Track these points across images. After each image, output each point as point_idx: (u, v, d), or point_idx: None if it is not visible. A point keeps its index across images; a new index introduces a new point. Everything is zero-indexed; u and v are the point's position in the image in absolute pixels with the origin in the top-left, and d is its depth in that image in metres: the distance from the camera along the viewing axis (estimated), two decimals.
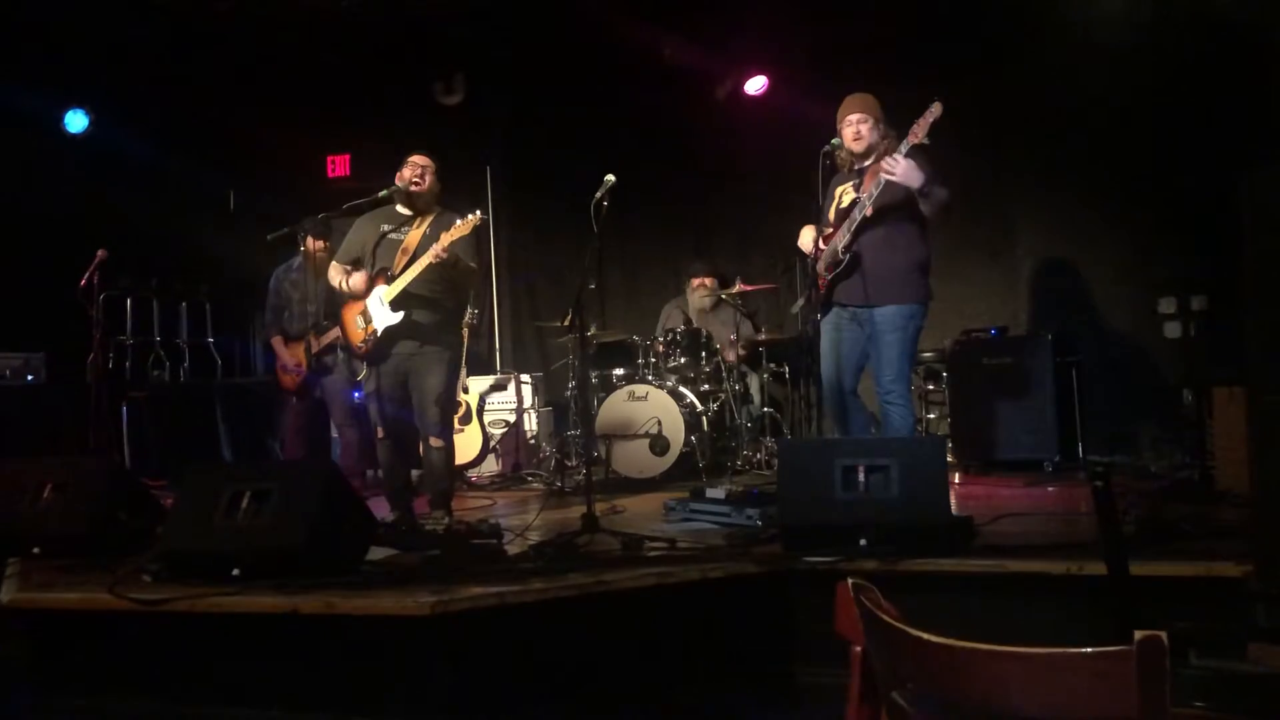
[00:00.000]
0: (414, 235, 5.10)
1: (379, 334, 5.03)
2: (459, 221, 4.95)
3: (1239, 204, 3.05)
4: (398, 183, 5.14)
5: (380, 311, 5.03)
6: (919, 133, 4.55)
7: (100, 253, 6.56)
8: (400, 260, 5.04)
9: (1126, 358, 6.93)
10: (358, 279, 5.12)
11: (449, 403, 5.22)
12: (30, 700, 3.79)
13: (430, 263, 4.86)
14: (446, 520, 5.05)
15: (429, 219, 5.17)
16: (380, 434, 5.13)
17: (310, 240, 6.24)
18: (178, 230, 8.41)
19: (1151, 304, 6.37)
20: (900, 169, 4.55)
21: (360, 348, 5.13)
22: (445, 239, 4.86)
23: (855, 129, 4.89)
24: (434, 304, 5.07)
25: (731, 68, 8.01)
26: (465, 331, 6.08)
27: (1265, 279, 2.99)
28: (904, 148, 4.58)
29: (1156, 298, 6.33)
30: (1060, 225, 7.31)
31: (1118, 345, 6.97)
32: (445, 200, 5.30)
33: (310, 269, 6.34)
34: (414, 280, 4.95)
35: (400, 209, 5.20)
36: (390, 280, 5.01)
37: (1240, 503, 4.41)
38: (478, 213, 4.98)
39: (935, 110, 4.53)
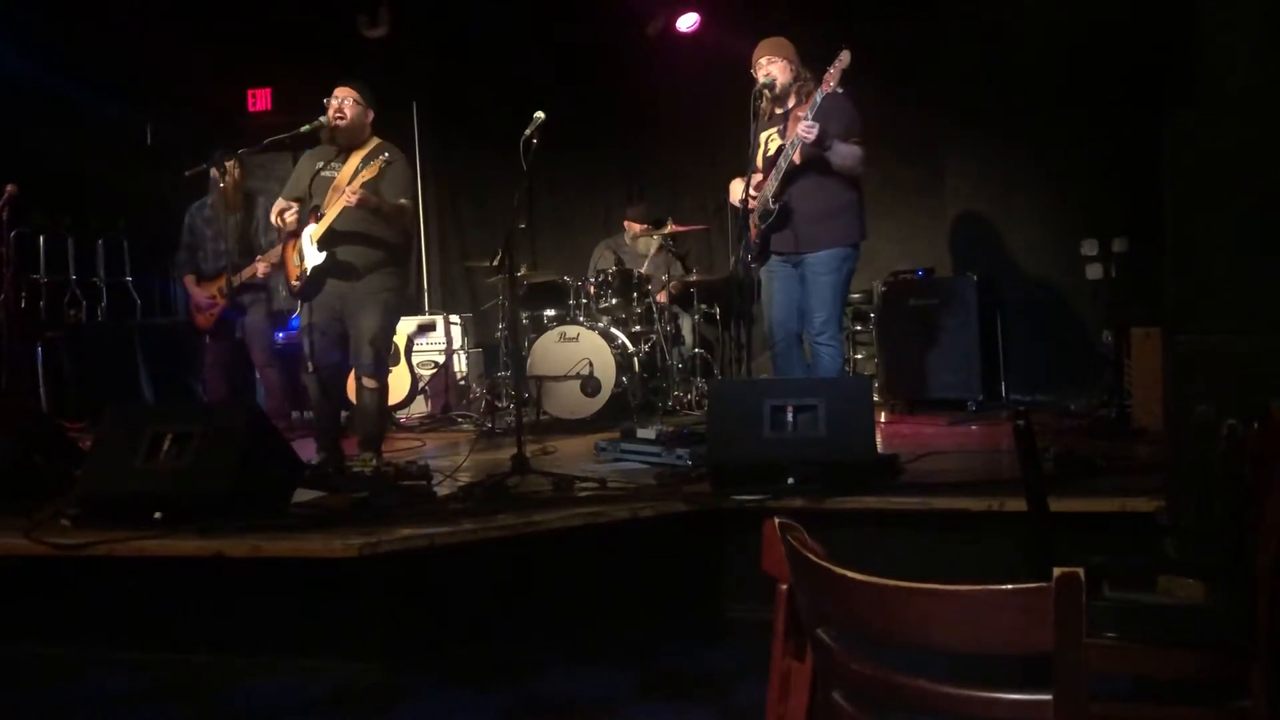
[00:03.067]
0: (345, 172, 4.94)
1: (308, 272, 4.92)
2: (371, 162, 4.78)
3: (1159, 147, 3.10)
4: (321, 118, 4.99)
5: (309, 250, 4.91)
6: (830, 81, 4.58)
7: (9, 188, 6.34)
8: (331, 199, 4.89)
9: (1049, 299, 7.06)
10: (289, 215, 4.95)
11: (385, 343, 5.09)
12: None
13: (345, 205, 4.73)
14: (375, 462, 4.95)
15: (361, 154, 4.99)
16: (310, 368, 5.01)
17: (217, 174, 6.05)
18: (93, 165, 8.13)
19: (1074, 246, 6.47)
20: (814, 135, 4.60)
21: (294, 285, 5.02)
22: (355, 182, 4.73)
23: (765, 70, 4.89)
24: (365, 240, 4.92)
25: (664, 4, 7.91)
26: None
27: (1183, 221, 3.06)
28: (819, 97, 4.61)
29: (1079, 240, 6.43)
30: (986, 168, 7.39)
31: (1041, 286, 7.09)
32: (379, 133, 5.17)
33: (218, 204, 6.19)
34: (340, 218, 4.81)
35: (330, 145, 5.04)
36: (319, 219, 4.89)
37: (1155, 440, 4.54)
38: (385, 155, 4.79)
39: (844, 59, 4.56)
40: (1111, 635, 2.02)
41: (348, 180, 4.87)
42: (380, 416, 5.23)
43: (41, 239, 7.82)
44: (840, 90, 4.62)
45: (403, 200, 5.01)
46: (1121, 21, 6.50)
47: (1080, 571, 1.18)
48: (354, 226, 4.88)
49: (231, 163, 6.08)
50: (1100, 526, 3.38)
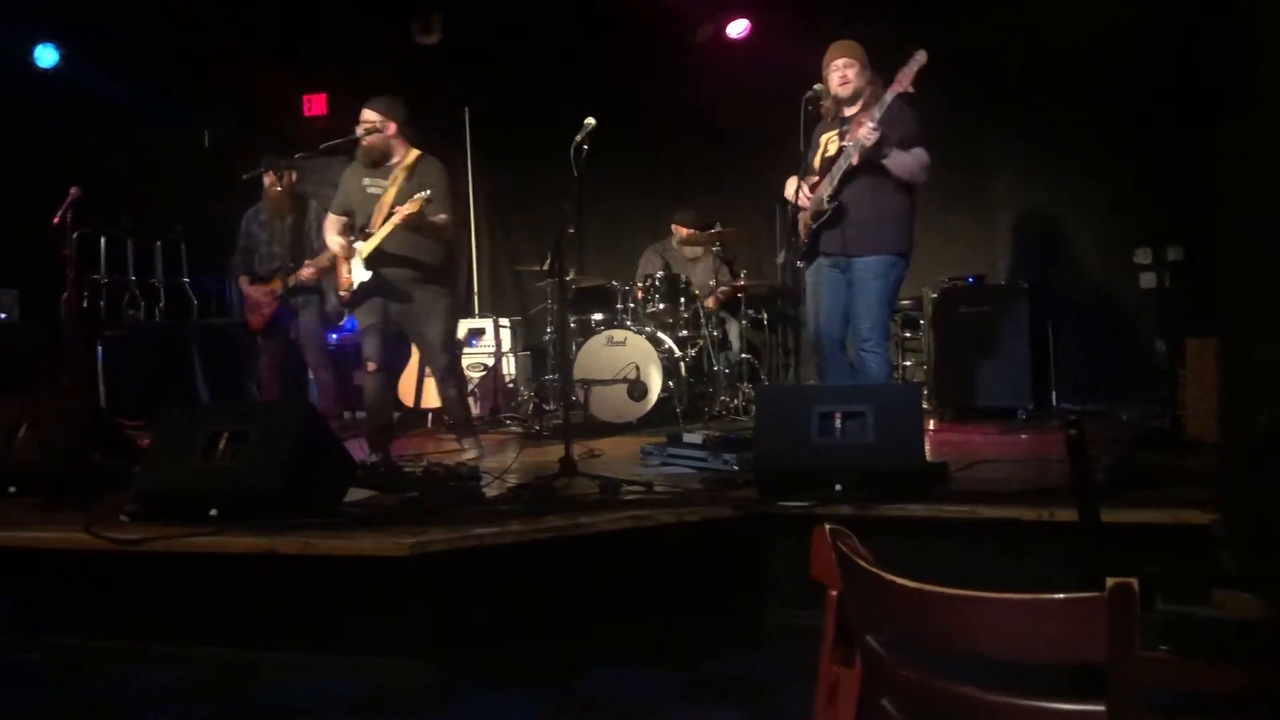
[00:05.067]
0: (390, 191, 5.13)
1: (355, 287, 5.15)
2: (416, 199, 4.91)
3: (1216, 154, 3.06)
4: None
5: (357, 267, 5.13)
6: (905, 81, 4.52)
7: (73, 190, 6.46)
8: (377, 217, 5.10)
9: (1101, 307, 6.98)
10: (338, 242, 5.22)
11: (453, 345, 5.47)
12: (4, 639, 3.80)
13: (396, 225, 4.95)
14: (471, 449, 5.34)
15: (403, 168, 5.16)
16: (370, 367, 5.20)
17: (268, 179, 6.19)
18: (152, 168, 8.29)
19: (1127, 254, 6.40)
20: (875, 138, 4.57)
21: (343, 295, 5.26)
22: (404, 211, 4.90)
23: (841, 74, 4.86)
24: (408, 260, 5.15)
25: (714, 10, 7.92)
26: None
27: (1240, 230, 3.01)
28: (889, 98, 4.55)
29: (1133, 248, 6.36)
30: (1039, 175, 7.32)
31: (1093, 295, 7.01)
32: (421, 142, 5.26)
33: (271, 209, 6.30)
34: (388, 239, 5.02)
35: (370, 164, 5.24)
36: (366, 238, 5.09)
37: (1209, 451, 4.47)
38: (427, 193, 4.93)
39: (920, 59, 4.50)
40: (1164, 648, 2.00)
41: (392, 201, 5.06)
42: (466, 408, 5.64)
43: (102, 240, 7.98)
44: (912, 90, 4.55)
45: (443, 215, 5.17)
46: (1178, 28, 6.42)
47: (1134, 582, 1.18)
48: (400, 248, 5.09)
49: (285, 171, 6.21)
50: (1153, 538, 3.33)
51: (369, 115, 5.17)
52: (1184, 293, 6.03)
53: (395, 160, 5.19)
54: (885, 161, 4.70)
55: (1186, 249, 5.99)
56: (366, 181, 5.21)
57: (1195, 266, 6.09)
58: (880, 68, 4.84)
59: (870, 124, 4.56)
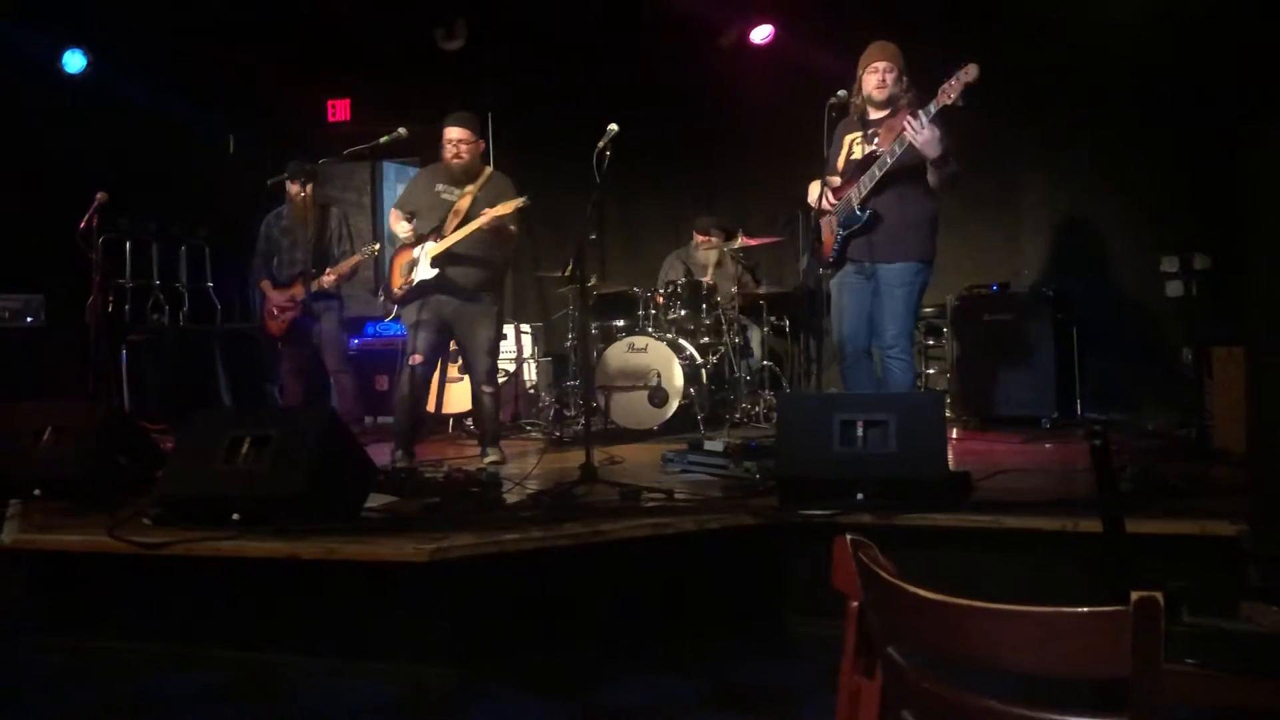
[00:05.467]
0: (465, 199, 5.35)
1: (414, 285, 5.31)
2: (508, 201, 5.16)
3: (1243, 160, 3.03)
4: (442, 161, 5.40)
5: (422, 266, 5.30)
6: (951, 94, 4.38)
7: (99, 195, 6.51)
8: (451, 222, 5.30)
9: (1127, 315, 6.92)
10: (407, 229, 5.43)
11: (496, 353, 5.58)
12: (30, 641, 3.83)
13: (479, 227, 5.17)
14: (498, 458, 5.40)
15: (479, 182, 5.39)
16: (416, 359, 5.35)
17: (294, 186, 6.23)
18: (177, 173, 8.36)
19: (1153, 262, 6.34)
20: (924, 137, 4.46)
21: (397, 292, 5.42)
22: (494, 211, 5.13)
23: (881, 77, 4.78)
24: (476, 262, 5.35)
25: (738, 16, 7.92)
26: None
27: (1267, 238, 2.98)
28: (933, 108, 4.46)
29: (1159, 256, 6.31)
30: (1063, 182, 7.27)
31: (1118, 303, 6.96)
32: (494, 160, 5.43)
33: (294, 215, 6.33)
34: (462, 242, 5.22)
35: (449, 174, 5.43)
36: (440, 239, 5.28)
37: (1236, 462, 4.43)
38: (525, 198, 5.17)
39: (970, 73, 4.34)
40: (1190, 662, 1.97)
41: (466, 209, 5.30)
42: (497, 417, 5.73)
43: (128, 245, 8.04)
44: (961, 104, 4.40)
45: (513, 226, 5.41)
46: (1206, 35, 6.37)
47: (1159, 595, 1.16)
48: (472, 250, 5.28)
49: (309, 178, 6.27)
50: (1179, 550, 3.30)
51: (463, 134, 5.36)
52: (1211, 301, 5.97)
53: (471, 176, 5.42)
54: (934, 165, 4.60)
55: (1214, 257, 5.93)
56: (440, 187, 5.41)
57: (1222, 274, 6.04)
58: (908, 74, 4.82)
59: (924, 127, 4.43)
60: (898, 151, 4.61)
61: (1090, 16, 6.82)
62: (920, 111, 4.50)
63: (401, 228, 5.45)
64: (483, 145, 5.49)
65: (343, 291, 6.54)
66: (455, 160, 5.35)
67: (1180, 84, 6.53)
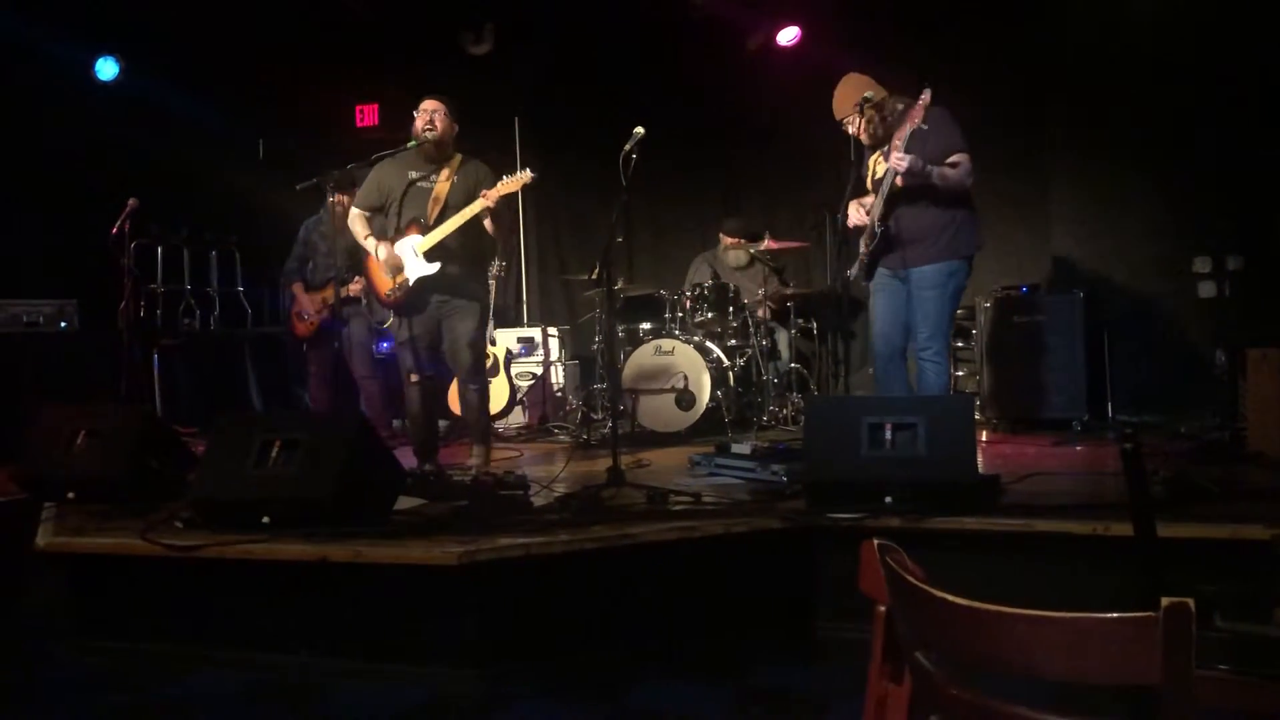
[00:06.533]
0: (443, 184, 5.05)
1: (410, 284, 5.01)
2: (509, 178, 4.89)
3: (1276, 162, 2.99)
4: (414, 134, 5.07)
5: (414, 262, 5.01)
6: (915, 119, 4.53)
7: (131, 201, 6.59)
8: (433, 210, 5.01)
9: (1158, 317, 6.86)
10: (383, 249, 5.06)
11: (482, 345, 5.29)
12: (64, 642, 3.88)
13: (478, 211, 4.88)
14: (487, 457, 5.19)
15: (454, 166, 5.11)
16: (413, 379, 5.14)
17: (335, 196, 6.26)
18: (208, 179, 8.43)
19: (1185, 263, 6.29)
20: (904, 166, 4.57)
21: (388, 297, 5.10)
22: (497, 190, 4.86)
23: (856, 126, 4.90)
24: (464, 255, 5.08)
25: (764, 18, 7.91)
26: (492, 284, 6.11)
27: None
28: (908, 131, 4.56)
29: (1191, 257, 6.25)
30: (1094, 183, 7.21)
31: (1150, 304, 6.90)
32: (468, 147, 5.27)
33: (334, 222, 6.37)
34: (454, 232, 4.95)
35: (422, 157, 5.14)
36: (425, 230, 4.99)
37: (1270, 465, 4.38)
38: (527, 171, 4.92)
39: (925, 97, 4.50)
40: (1224, 668, 1.95)
41: (446, 195, 5.00)
42: (486, 413, 5.46)
43: (159, 250, 8.12)
44: (926, 127, 4.54)
45: (507, 212, 5.19)
46: (1240, 33, 6.30)
47: (1190, 601, 1.15)
48: (463, 240, 5.01)
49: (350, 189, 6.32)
50: (1212, 554, 3.26)
51: (436, 105, 5.06)
52: (1245, 302, 5.91)
53: (444, 157, 5.14)
54: (933, 181, 4.68)
55: (1247, 257, 5.87)
56: (414, 174, 5.09)
57: (1257, 275, 5.97)
58: (935, 73, 4.81)
59: (898, 156, 4.58)
60: (899, 170, 4.67)
61: (1124, 17, 6.76)
62: (893, 145, 4.63)
63: (369, 240, 5.10)
64: (455, 128, 5.13)
65: (369, 298, 6.58)
66: (427, 131, 4.99)
67: (1214, 83, 6.46)
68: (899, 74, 5.17)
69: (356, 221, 5.19)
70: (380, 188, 5.17)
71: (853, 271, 5.05)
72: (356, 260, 6.41)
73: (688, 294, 7.03)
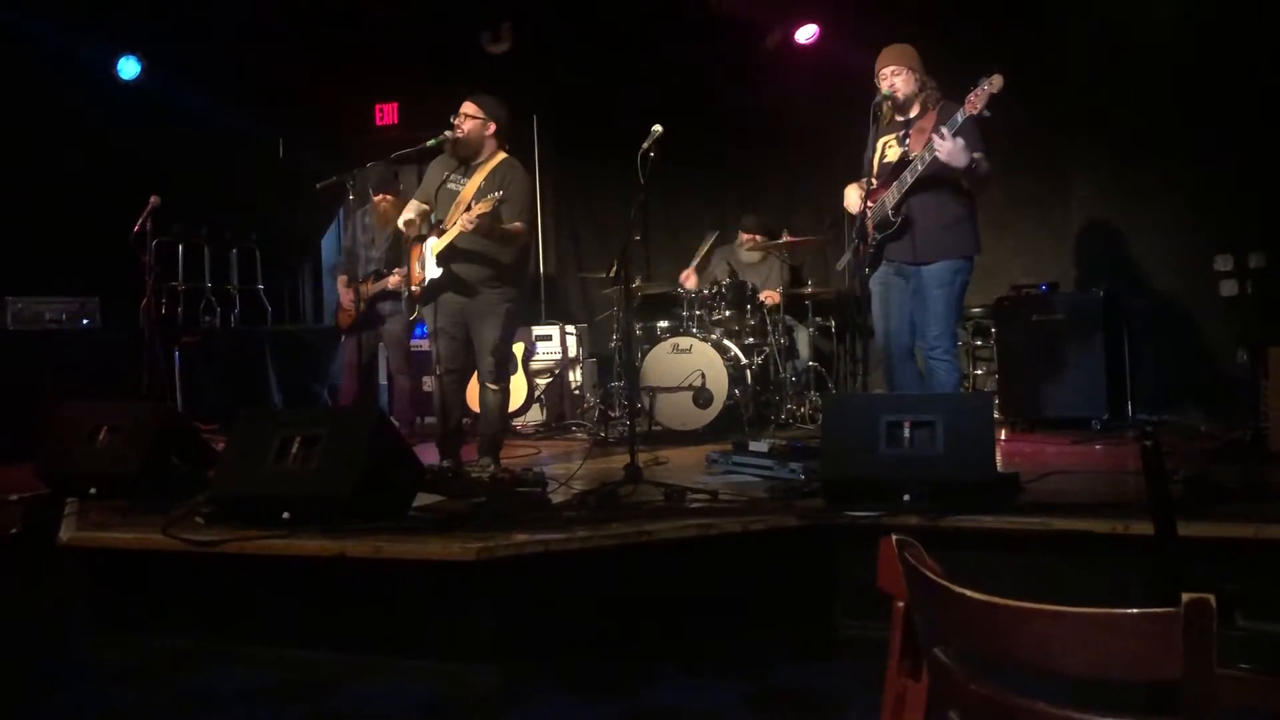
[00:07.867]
0: (469, 187, 5.09)
1: (425, 283, 5.13)
2: (487, 197, 4.86)
3: None
4: (447, 132, 5.12)
5: (430, 263, 5.11)
6: (977, 104, 4.39)
7: (153, 199, 6.63)
8: (453, 213, 5.04)
9: (1179, 315, 6.81)
10: (411, 228, 5.20)
11: (505, 352, 5.25)
12: (85, 636, 3.91)
13: (461, 232, 4.89)
14: (492, 468, 5.12)
15: (487, 168, 5.13)
16: (440, 370, 5.20)
17: (377, 195, 6.38)
18: (228, 177, 8.48)
19: (1206, 261, 6.24)
20: (946, 150, 4.44)
21: (415, 290, 5.23)
22: (472, 213, 4.83)
23: (890, 81, 4.78)
24: (482, 259, 5.08)
25: (782, 17, 7.89)
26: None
27: None
28: (959, 118, 4.45)
29: (1212, 255, 6.20)
30: (1114, 180, 7.17)
31: (1170, 302, 6.85)
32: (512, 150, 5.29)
33: (378, 219, 6.47)
34: (461, 237, 4.97)
35: (455, 157, 5.19)
36: (441, 233, 5.05)
37: None
38: (498, 194, 4.85)
39: (995, 84, 4.35)
40: (1245, 666, 1.94)
41: (470, 198, 5.01)
42: (501, 422, 5.43)
43: (180, 248, 8.17)
44: (988, 114, 4.39)
45: (518, 224, 5.08)
46: (1261, 29, 6.25)
47: (1211, 598, 1.15)
48: (473, 245, 5.03)
49: (395, 189, 6.40)
50: (1233, 553, 3.24)
51: (472, 109, 5.11)
52: (1266, 300, 5.86)
53: (481, 159, 5.16)
54: (969, 169, 4.56)
55: (1269, 255, 5.82)
56: (449, 176, 5.16)
57: (1278, 273, 5.92)
58: (946, 74, 4.78)
59: (946, 141, 4.43)
60: (928, 159, 4.59)
61: (1144, 12, 6.71)
62: (944, 126, 4.49)
63: (403, 217, 5.24)
64: (492, 127, 5.14)
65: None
66: (457, 134, 5.07)
67: (1235, 79, 6.41)
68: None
69: (408, 207, 5.30)
70: (426, 185, 5.30)
71: (845, 260, 4.99)
72: (397, 255, 6.47)
73: (705, 292, 7.03)
